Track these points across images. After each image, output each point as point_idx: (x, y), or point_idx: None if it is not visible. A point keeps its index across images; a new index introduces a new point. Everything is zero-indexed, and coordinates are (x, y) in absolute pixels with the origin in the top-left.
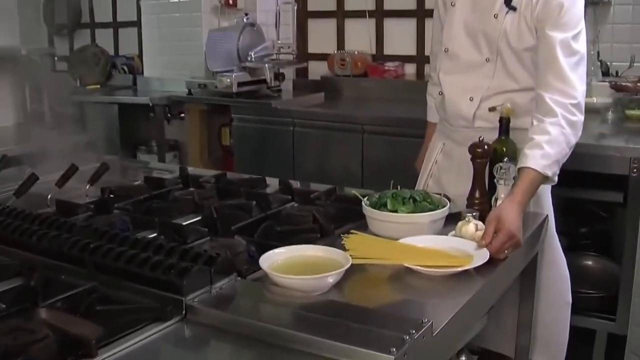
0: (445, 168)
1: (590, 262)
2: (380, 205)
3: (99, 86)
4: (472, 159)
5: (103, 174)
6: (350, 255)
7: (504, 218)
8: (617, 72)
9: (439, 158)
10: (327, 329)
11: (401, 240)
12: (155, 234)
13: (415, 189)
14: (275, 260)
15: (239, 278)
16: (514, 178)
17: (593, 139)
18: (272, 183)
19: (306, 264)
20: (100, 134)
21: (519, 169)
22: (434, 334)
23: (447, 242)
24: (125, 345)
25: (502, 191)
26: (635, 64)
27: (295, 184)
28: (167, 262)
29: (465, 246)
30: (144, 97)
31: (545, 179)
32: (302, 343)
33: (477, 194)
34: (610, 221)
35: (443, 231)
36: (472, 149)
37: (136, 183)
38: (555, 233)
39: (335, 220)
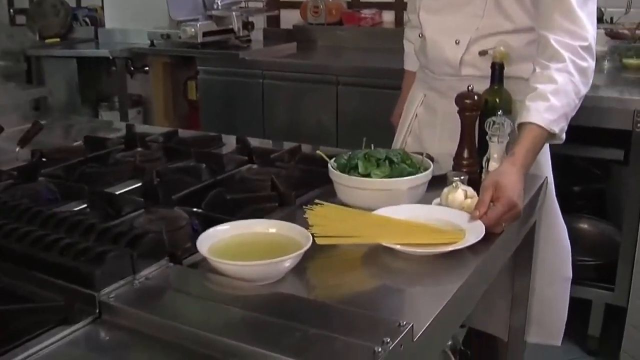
0: (426, 123)
1: (585, 226)
2: (350, 169)
3: (58, 39)
4: (459, 112)
5: (35, 135)
6: (312, 234)
7: (504, 184)
8: (611, 19)
9: (420, 111)
10: (278, 337)
11: (376, 212)
12: (84, 206)
13: (392, 147)
14: (219, 239)
15: (172, 264)
16: (509, 134)
17: (589, 90)
18: (230, 142)
19: (257, 244)
20: (58, 90)
21: (520, 125)
22: (414, 339)
23: (431, 213)
24: (22, 357)
25: (495, 150)
26: (631, 10)
27: (256, 142)
28: (80, 245)
29: (455, 218)
30: (104, 49)
31: (550, 136)
32: (247, 356)
33: (465, 154)
34: (606, 180)
35: (425, 199)
36: (460, 100)
37: (75, 144)
38: (555, 198)
39: (299, 185)
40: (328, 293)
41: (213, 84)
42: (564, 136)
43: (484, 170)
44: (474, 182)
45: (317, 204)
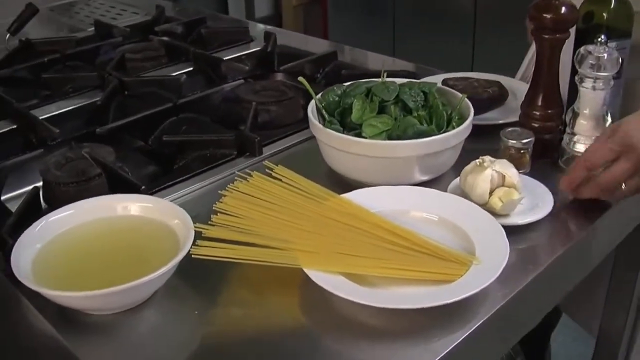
0: None
1: None
2: (342, 111)
3: None
4: (534, 33)
5: (29, 20)
6: (199, 231)
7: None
8: None
9: None
10: None
11: (346, 196)
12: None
13: (519, 73)
14: (53, 237)
15: None
16: (615, 76)
17: None
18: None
19: (110, 242)
20: None
21: None
22: None
23: (432, 206)
24: None
25: (586, 101)
26: None
27: (296, 39)
28: None
29: (469, 221)
30: None
31: None
32: None
33: (539, 101)
34: None
35: (458, 168)
36: (536, 11)
37: (90, 30)
38: None
39: (287, 121)
40: None
41: None
42: None
43: (567, 131)
44: (549, 148)
45: (266, 168)
